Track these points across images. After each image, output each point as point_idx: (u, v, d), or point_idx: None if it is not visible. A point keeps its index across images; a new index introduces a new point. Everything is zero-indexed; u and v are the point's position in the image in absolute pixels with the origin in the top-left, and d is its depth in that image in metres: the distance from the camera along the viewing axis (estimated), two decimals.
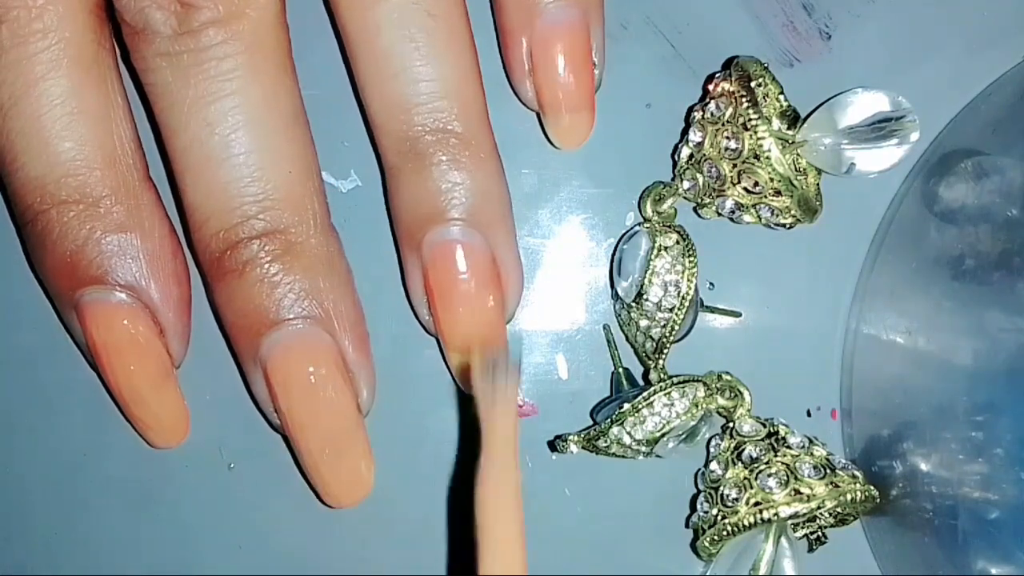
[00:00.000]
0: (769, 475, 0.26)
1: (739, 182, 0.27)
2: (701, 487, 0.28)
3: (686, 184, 0.28)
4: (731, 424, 0.28)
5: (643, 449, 0.27)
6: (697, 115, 0.27)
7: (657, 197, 0.28)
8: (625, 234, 0.28)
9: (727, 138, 0.26)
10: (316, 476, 0.27)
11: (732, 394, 0.28)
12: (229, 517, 0.30)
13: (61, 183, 0.25)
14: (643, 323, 0.28)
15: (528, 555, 0.29)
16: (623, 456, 0.28)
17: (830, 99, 0.26)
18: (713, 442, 0.28)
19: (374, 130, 0.26)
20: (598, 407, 0.29)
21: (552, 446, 0.29)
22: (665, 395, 0.27)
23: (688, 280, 0.27)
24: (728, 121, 0.26)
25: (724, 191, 0.27)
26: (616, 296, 0.29)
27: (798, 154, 0.26)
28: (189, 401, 0.28)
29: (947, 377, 0.26)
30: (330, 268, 0.26)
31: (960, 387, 0.25)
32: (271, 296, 0.26)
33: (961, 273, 0.26)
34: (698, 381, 0.28)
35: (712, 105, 0.27)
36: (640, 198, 0.28)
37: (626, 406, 0.27)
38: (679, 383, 0.27)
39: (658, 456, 0.28)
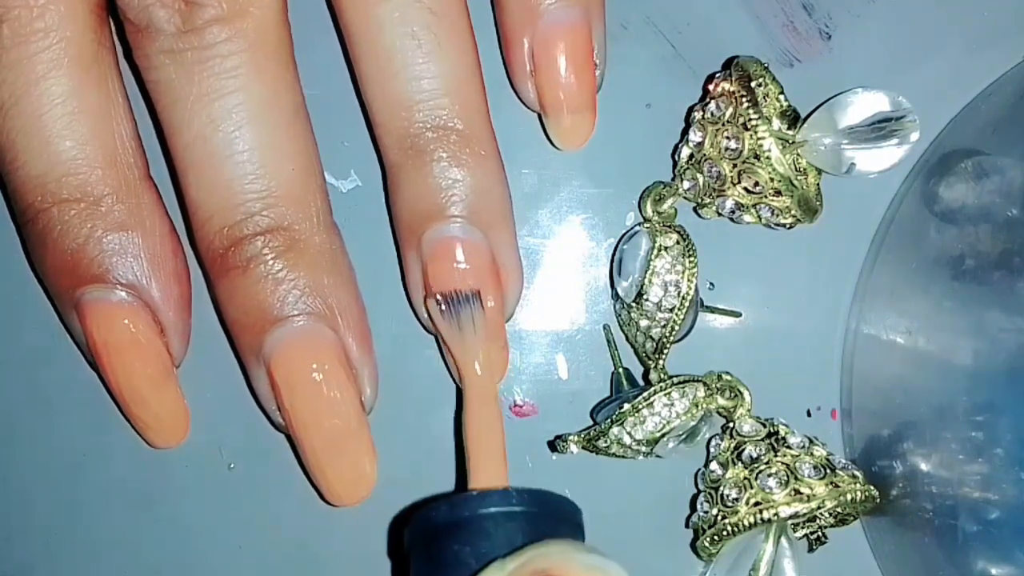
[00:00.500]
0: (769, 475, 0.26)
1: (739, 182, 0.27)
2: (701, 487, 0.28)
3: (686, 184, 0.28)
4: (731, 424, 0.28)
5: (643, 449, 0.27)
6: (697, 115, 0.27)
7: (657, 197, 0.28)
8: (625, 234, 0.28)
9: (727, 138, 0.26)
10: (319, 475, 0.27)
11: (732, 394, 0.28)
12: (229, 517, 0.30)
13: (62, 182, 0.25)
14: (643, 323, 0.28)
15: None
16: (623, 456, 0.28)
17: (830, 99, 0.26)
18: (713, 442, 0.28)
19: (375, 128, 0.26)
20: (598, 407, 0.29)
21: (552, 446, 0.29)
22: (665, 395, 0.27)
23: (688, 280, 0.27)
24: (728, 121, 0.26)
25: (724, 191, 0.27)
26: (616, 296, 0.29)
27: (798, 154, 0.26)
28: (189, 401, 0.28)
29: (947, 377, 0.26)
30: (333, 265, 0.26)
31: (960, 387, 0.25)
32: (275, 292, 0.26)
33: (961, 273, 0.26)
34: (698, 381, 0.28)
35: (712, 105, 0.27)
36: (640, 198, 0.28)
37: (626, 406, 0.27)
38: (679, 383, 0.27)
39: (658, 456, 0.28)
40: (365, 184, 0.29)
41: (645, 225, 0.28)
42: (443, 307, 0.26)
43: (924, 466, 0.26)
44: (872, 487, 0.27)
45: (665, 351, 0.28)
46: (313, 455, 0.27)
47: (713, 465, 0.27)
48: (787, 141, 0.26)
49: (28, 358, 0.29)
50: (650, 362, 0.28)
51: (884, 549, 0.28)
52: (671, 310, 0.27)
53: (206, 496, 0.29)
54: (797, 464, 0.27)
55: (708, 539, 0.27)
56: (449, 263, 0.26)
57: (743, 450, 0.27)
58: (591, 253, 0.29)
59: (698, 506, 0.28)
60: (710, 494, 0.27)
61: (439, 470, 0.29)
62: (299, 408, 0.26)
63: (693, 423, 0.28)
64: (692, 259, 0.27)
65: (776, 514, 0.26)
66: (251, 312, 0.26)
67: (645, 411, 0.27)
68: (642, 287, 0.27)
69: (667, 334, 0.28)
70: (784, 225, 0.27)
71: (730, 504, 0.27)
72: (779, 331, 0.29)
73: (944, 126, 0.28)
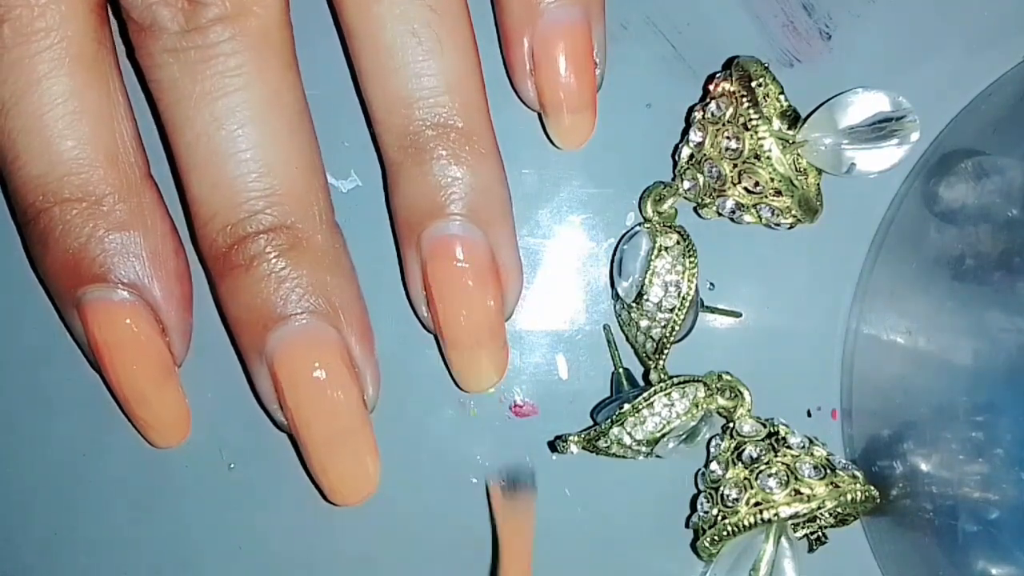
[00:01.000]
0: (769, 475, 0.26)
1: (740, 182, 0.27)
2: (701, 487, 0.28)
3: (687, 184, 0.28)
4: (731, 424, 0.28)
5: (643, 449, 0.27)
6: (697, 115, 0.27)
7: (657, 197, 0.28)
8: (625, 234, 0.28)
9: (728, 138, 0.26)
10: (321, 474, 0.27)
11: (732, 394, 0.28)
12: (229, 517, 0.30)
13: (63, 181, 0.25)
14: (643, 323, 0.28)
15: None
16: (623, 456, 0.28)
17: (830, 99, 0.26)
18: (713, 442, 0.28)
19: (375, 125, 0.26)
20: (598, 407, 0.29)
21: (552, 446, 0.29)
22: (665, 395, 0.27)
23: (688, 280, 0.27)
24: (729, 121, 0.26)
25: (725, 191, 0.27)
26: (616, 296, 0.29)
27: (798, 154, 0.26)
28: (189, 401, 0.28)
29: (947, 377, 0.26)
30: (336, 263, 0.26)
31: (960, 387, 0.25)
32: (278, 291, 0.26)
33: (961, 273, 0.26)
34: (698, 381, 0.28)
35: (712, 105, 0.27)
36: (640, 198, 0.28)
37: (626, 406, 0.27)
38: (679, 383, 0.27)
39: (658, 456, 0.28)
40: (365, 184, 0.29)
41: (645, 225, 0.28)
42: (503, 487, 0.27)
43: (924, 466, 0.26)
44: (872, 487, 0.27)
45: (665, 351, 0.28)
46: (315, 454, 0.27)
47: (713, 465, 0.27)
48: (787, 141, 0.26)
49: (28, 358, 0.29)
50: (650, 362, 0.28)
51: (884, 549, 0.28)
52: (671, 310, 0.27)
53: (206, 496, 0.29)
54: (797, 464, 0.27)
55: (708, 539, 0.27)
56: (449, 261, 0.26)
57: (743, 450, 0.27)
58: (591, 253, 0.29)
59: (698, 506, 0.28)
60: (710, 494, 0.27)
61: (438, 470, 0.29)
62: (302, 407, 0.26)
63: (693, 423, 0.28)
64: (692, 259, 0.27)
65: (776, 514, 0.26)
66: (254, 311, 0.26)
67: (645, 411, 0.27)
68: (642, 287, 0.27)
69: (667, 334, 0.28)
70: (784, 225, 0.27)
71: (730, 504, 0.27)
72: (779, 331, 0.29)
73: (944, 126, 0.28)
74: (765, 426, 0.28)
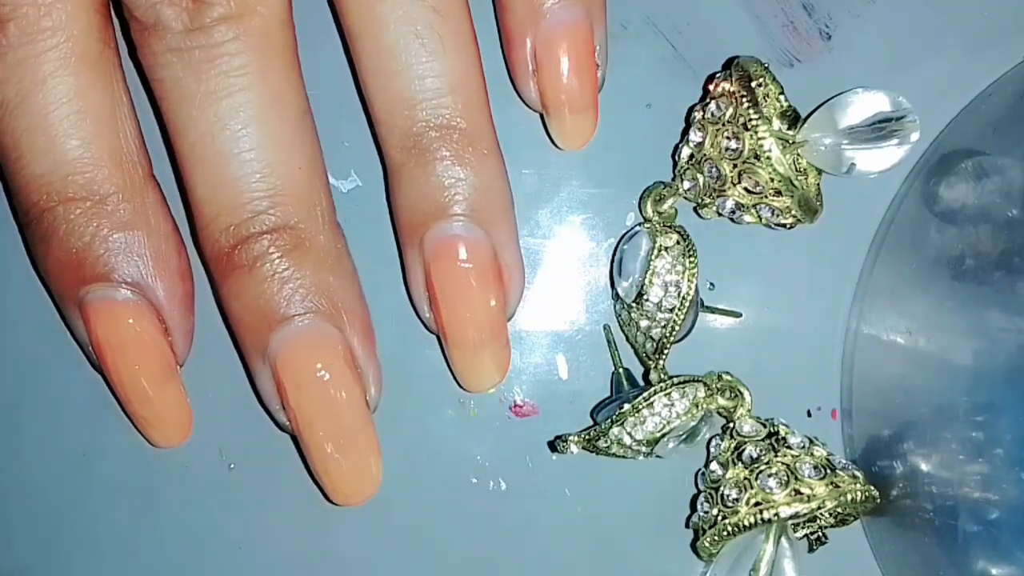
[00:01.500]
0: (769, 475, 0.26)
1: (739, 182, 0.27)
2: (701, 487, 0.28)
3: (686, 184, 0.28)
4: (731, 424, 0.28)
5: (643, 449, 0.27)
6: (697, 115, 0.27)
7: (657, 197, 0.28)
8: (625, 234, 0.28)
9: (727, 138, 0.26)
10: (324, 474, 0.27)
11: (732, 394, 0.28)
12: (229, 517, 0.30)
13: (68, 180, 0.25)
14: (643, 323, 0.28)
15: (529, 555, 0.29)
16: (623, 456, 0.28)
17: (830, 99, 0.26)
18: (713, 442, 0.28)
19: (377, 127, 0.26)
20: (598, 407, 0.29)
21: (552, 446, 0.29)
22: (665, 395, 0.27)
23: (688, 280, 0.27)
24: (728, 121, 0.26)
25: (725, 191, 0.27)
26: (616, 296, 0.29)
27: (798, 154, 0.26)
28: (190, 401, 0.28)
29: (947, 377, 0.26)
30: (338, 264, 0.26)
31: (960, 387, 0.25)
32: (281, 291, 0.26)
33: (961, 273, 0.26)
34: (698, 381, 0.28)
35: (712, 105, 0.27)
36: (640, 198, 0.28)
37: (626, 406, 0.27)
38: (679, 383, 0.27)
39: (658, 456, 0.28)
40: (365, 184, 0.29)
41: (645, 225, 0.28)
42: None
43: (924, 466, 0.26)
44: (872, 487, 0.27)
45: (665, 351, 0.28)
46: (318, 455, 0.27)
47: (713, 465, 0.27)
48: (787, 141, 0.26)
49: (28, 358, 0.29)
50: (650, 362, 0.28)
51: (884, 549, 0.28)
52: (671, 310, 0.27)
53: (206, 496, 0.29)
54: (797, 464, 0.27)
55: (708, 539, 0.27)
56: (452, 262, 0.26)
57: (743, 450, 0.27)
58: (591, 253, 0.29)
59: (698, 506, 0.28)
60: (710, 494, 0.27)
61: (439, 470, 0.29)
62: (304, 407, 0.26)
63: (693, 423, 0.28)
64: (692, 259, 0.27)
65: (776, 514, 0.26)
66: (257, 311, 0.26)
67: (645, 411, 0.27)
68: (642, 287, 0.27)
69: (667, 334, 0.28)
70: (784, 225, 0.27)
71: (730, 504, 0.27)
72: (779, 331, 0.29)
73: (944, 126, 0.28)
74: (765, 426, 0.28)
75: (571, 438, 0.28)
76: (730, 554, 0.27)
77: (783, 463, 0.27)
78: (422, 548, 0.30)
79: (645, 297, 0.27)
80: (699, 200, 0.28)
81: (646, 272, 0.27)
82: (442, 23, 0.25)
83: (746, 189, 0.27)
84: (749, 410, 0.28)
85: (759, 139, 0.26)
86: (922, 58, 0.29)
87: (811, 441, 0.27)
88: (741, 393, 0.28)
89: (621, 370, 0.29)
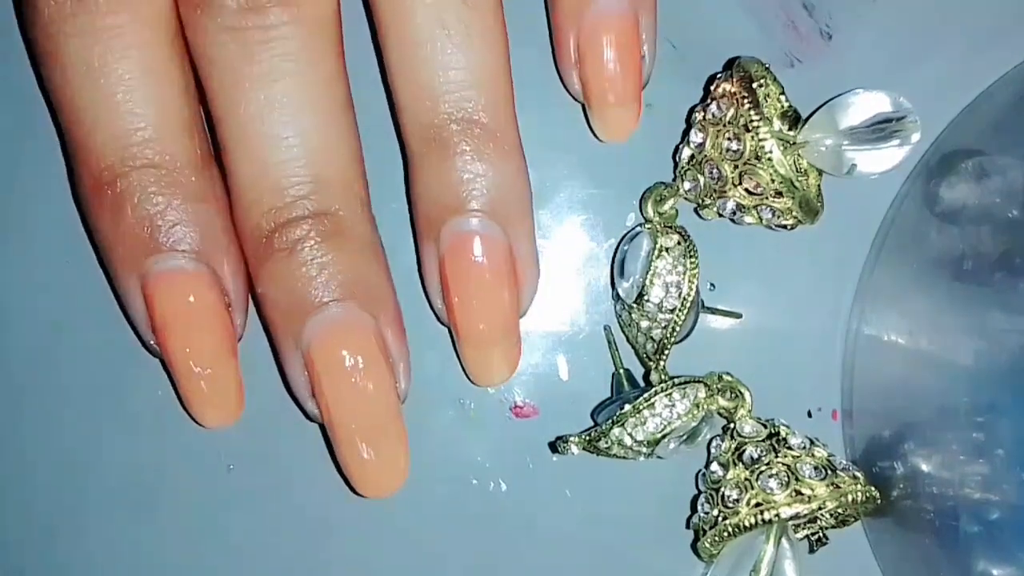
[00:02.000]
0: (770, 476, 0.26)
1: (740, 183, 0.26)
2: (702, 488, 0.28)
3: (687, 185, 0.28)
4: (732, 425, 0.28)
5: (644, 450, 0.27)
6: (698, 116, 0.27)
7: (658, 198, 0.28)
8: (626, 235, 0.28)
9: (728, 139, 0.26)
10: (352, 465, 0.26)
11: (733, 395, 0.28)
12: (228, 518, 0.29)
13: (145, 146, 0.25)
14: (644, 324, 0.28)
15: (529, 557, 0.29)
16: (624, 457, 0.28)
17: (831, 100, 0.26)
18: (714, 443, 0.28)
19: (399, 116, 0.26)
20: (599, 408, 0.29)
21: (553, 447, 0.29)
22: (666, 396, 0.27)
23: (689, 281, 0.27)
24: (729, 122, 0.26)
25: (725, 192, 0.27)
26: (617, 297, 0.29)
27: (799, 155, 0.26)
28: None
29: (948, 378, 0.26)
30: (375, 255, 0.26)
31: (961, 388, 0.25)
32: (319, 277, 0.26)
33: (962, 274, 0.26)
34: (699, 382, 0.28)
35: (713, 106, 0.27)
36: (641, 199, 0.28)
37: (627, 407, 0.27)
38: (680, 384, 0.27)
39: (659, 457, 0.28)
40: (371, 184, 0.29)
41: (646, 226, 0.28)
42: None
43: (925, 467, 0.26)
44: (873, 488, 0.27)
45: (666, 352, 0.28)
46: (347, 445, 0.26)
47: (714, 466, 0.27)
48: (788, 142, 0.26)
49: (28, 358, 0.29)
50: (651, 363, 0.28)
51: (885, 550, 0.28)
52: (672, 311, 0.27)
53: (205, 497, 0.29)
54: (798, 465, 0.27)
55: (709, 540, 0.27)
56: (467, 257, 0.26)
57: (744, 451, 0.27)
58: (592, 254, 0.29)
59: (699, 507, 0.28)
60: (711, 495, 0.27)
61: (439, 470, 0.29)
62: (336, 395, 0.26)
63: (694, 424, 0.28)
64: (693, 260, 0.27)
65: (777, 515, 0.26)
66: (293, 295, 0.26)
67: (646, 412, 0.27)
68: (643, 288, 0.27)
69: (668, 335, 0.27)
70: (785, 226, 0.27)
71: (731, 505, 0.27)
72: (780, 332, 0.29)
73: (945, 126, 0.28)
74: (766, 427, 0.27)
75: (572, 439, 0.28)
76: (731, 555, 0.27)
77: (784, 464, 0.27)
78: (422, 549, 0.30)
79: (646, 298, 0.27)
80: (700, 201, 0.28)
81: (647, 273, 0.27)
82: (471, 16, 0.25)
83: (747, 190, 0.27)
84: (750, 411, 0.28)
85: (760, 140, 0.26)
86: (922, 58, 0.29)
87: (812, 442, 0.27)
88: (742, 394, 0.28)
89: (622, 371, 0.29)
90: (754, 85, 0.26)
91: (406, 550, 0.30)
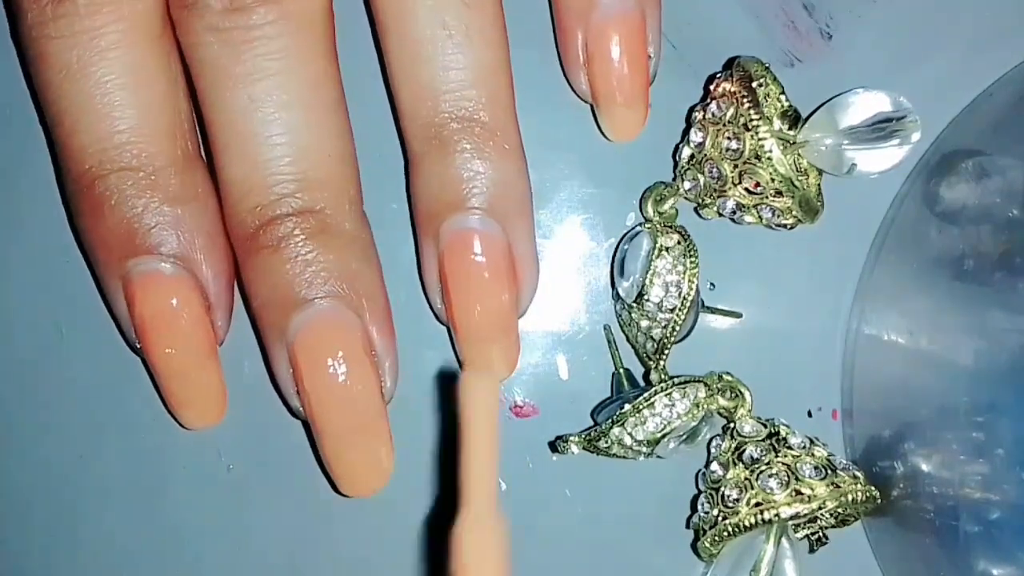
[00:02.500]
0: (770, 476, 0.26)
1: (740, 183, 0.26)
2: (702, 488, 0.28)
3: (687, 184, 0.28)
4: (732, 425, 0.28)
5: (644, 450, 0.27)
6: (698, 115, 0.27)
7: (658, 197, 0.28)
8: (626, 234, 0.28)
9: (728, 138, 0.26)
10: (335, 462, 0.27)
11: (733, 395, 0.28)
12: (228, 518, 0.29)
13: (122, 149, 0.25)
14: (644, 323, 0.28)
15: (529, 556, 0.29)
16: (624, 457, 0.28)
17: (831, 99, 0.26)
18: (714, 443, 0.28)
19: (400, 115, 0.26)
20: (599, 408, 0.29)
21: (553, 447, 0.29)
22: (666, 396, 0.27)
23: (689, 281, 0.27)
24: (729, 121, 0.26)
25: (725, 191, 0.27)
26: (617, 296, 0.29)
27: (799, 154, 0.26)
28: None
29: (948, 377, 0.26)
30: (363, 253, 0.26)
31: (961, 387, 0.25)
32: (303, 273, 0.26)
33: (962, 273, 0.26)
34: (699, 382, 0.28)
35: (713, 105, 0.27)
36: (641, 198, 0.28)
37: (627, 407, 0.27)
38: (680, 384, 0.27)
39: (659, 457, 0.28)
40: (367, 182, 0.29)
41: (646, 225, 0.28)
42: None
43: (925, 467, 0.26)
44: (873, 488, 0.27)
45: (666, 351, 0.28)
46: (330, 442, 0.26)
47: (714, 466, 0.27)
48: (788, 142, 0.26)
49: (27, 358, 0.29)
50: (651, 362, 0.28)
51: (885, 550, 0.28)
52: (672, 310, 0.27)
53: (205, 497, 0.29)
54: (798, 465, 0.27)
55: (709, 540, 0.27)
56: (466, 255, 0.26)
57: (744, 451, 0.27)
58: (592, 253, 0.29)
59: (699, 507, 0.28)
60: (711, 495, 0.27)
61: (438, 471, 0.29)
62: (318, 391, 0.26)
63: (694, 424, 0.28)
64: (693, 259, 0.27)
65: (777, 515, 0.26)
66: (278, 291, 0.26)
67: (646, 411, 0.27)
68: (643, 287, 0.27)
69: (668, 334, 0.27)
70: (785, 226, 0.27)
71: (731, 505, 0.27)
72: (780, 332, 0.29)
73: (945, 126, 0.28)
74: (766, 426, 0.27)
75: (571, 438, 0.28)
76: (730, 554, 0.27)
77: (784, 463, 0.27)
78: (422, 549, 0.29)
79: (646, 297, 0.27)
80: (700, 200, 0.28)
81: (647, 272, 0.27)
82: (471, 15, 0.25)
83: (747, 189, 0.27)
84: (750, 410, 0.28)
85: (760, 139, 0.26)
86: (922, 58, 0.29)
87: (812, 441, 0.27)
88: (742, 393, 0.28)
89: (622, 370, 0.29)
90: (754, 84, 0.26)
91: (406, 550, 0.29)
